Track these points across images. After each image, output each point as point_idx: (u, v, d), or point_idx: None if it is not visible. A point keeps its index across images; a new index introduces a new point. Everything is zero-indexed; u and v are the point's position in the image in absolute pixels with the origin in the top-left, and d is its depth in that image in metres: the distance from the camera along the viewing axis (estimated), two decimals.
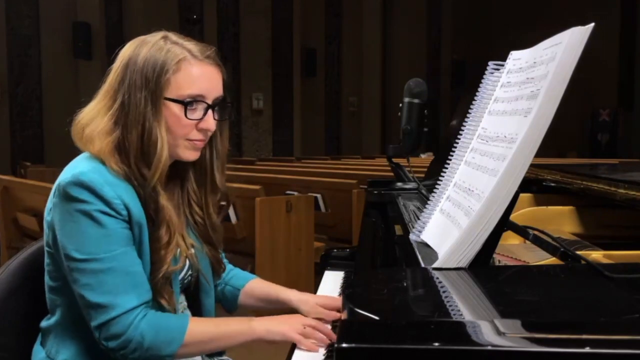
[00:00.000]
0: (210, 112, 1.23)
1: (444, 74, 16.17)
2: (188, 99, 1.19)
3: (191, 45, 1.23)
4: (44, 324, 1.28)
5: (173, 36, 1.24)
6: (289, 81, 12.73)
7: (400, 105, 2.00)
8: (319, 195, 4.72)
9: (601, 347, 0.62)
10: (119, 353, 1.12)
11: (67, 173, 1.16)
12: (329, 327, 1.24)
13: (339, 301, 1.36)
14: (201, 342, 1.17)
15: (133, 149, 1.18)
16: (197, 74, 1.21)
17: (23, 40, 9.91)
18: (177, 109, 1.20)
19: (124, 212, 1.15)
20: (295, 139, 12.99)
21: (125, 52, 1.23)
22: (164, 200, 1.21)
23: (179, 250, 1.27)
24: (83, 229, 1.13)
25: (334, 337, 1.15)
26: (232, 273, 1.49)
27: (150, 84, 1.18)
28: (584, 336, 0.63)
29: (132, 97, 1.18)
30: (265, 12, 12.22)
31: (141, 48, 1.21)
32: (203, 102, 1.21)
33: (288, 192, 4.73)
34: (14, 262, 1.36)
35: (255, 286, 1.46)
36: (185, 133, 1.22)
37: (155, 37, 1.23)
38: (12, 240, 4.88)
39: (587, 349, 0.61)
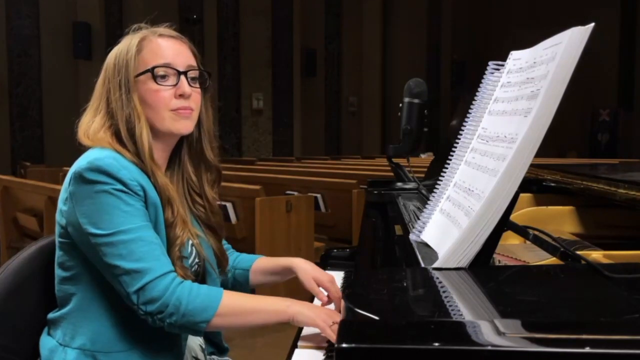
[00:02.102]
0: (183, 77, 1.28)
1: (444, 74, 16.17)
2: (154, 67, 1.27)
3: (156, 27, 1.33)
4: (52, 315, 1.30)
5: (142, 27, 1.33)
6: (289, 81, 12.73)
7: (400, 105, 2.00)
8: (319, 195, 4.72)
9: (601, 347, 0.62)
10: (157, 317, 1.16)
11: (83, 161, 1.21)
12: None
13: (331, 278, 1.39)
14: (236, 313, 1.19)
15: (122, 133, 1.25)
16: (159, 47, 1.29)
17: (23, 40, 9.91)
18: (147, 79, 1.27)
19: (141, 193, 1.21)
20: (295, 139, 12.99)
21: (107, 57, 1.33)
22: (162, 178, 1.26)
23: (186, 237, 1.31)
24: (105, 206, 1.17)
25: None
26: (239, 258, 1.54)
27: (122, 70, 1.27)
28: (584, 336, 0.63)
29: (111, 87, 1.28)
30: (265, 12, 12.22)
31: (115, 49, 1.32)
32: (172, 69, 1.27)
33: (288, 192, 4.73)
34: (14, 261, 1.36)
35: (262, 263, 1.51)
36: (164, 103, 1.27)
37: (127, 35, 1.33)
38: (12, 240, 4.88)
39: (587, 349, 0.61)
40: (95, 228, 1.17)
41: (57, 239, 1.28)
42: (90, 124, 1.29)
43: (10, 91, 9.82)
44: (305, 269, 1.40)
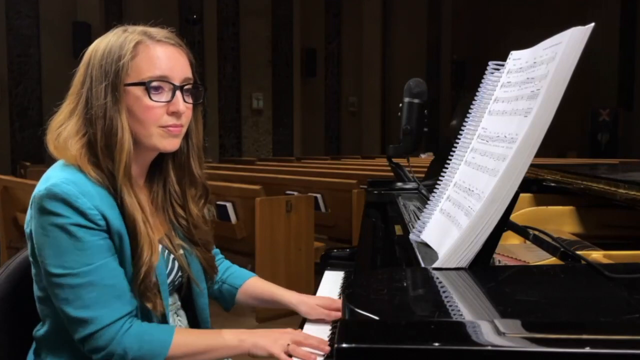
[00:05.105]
0: (178, 93, 1.18)
1: (444, 74, 16.18)
2: (150, 81, 1.15)
3: (150, 29, 1.20)
4: (36, 333, 1.26)
5: (137, 27, 1.21)
6: (289, 81, 12.74)
7: (400, 105, 2.00)
8: (319, 195, 4.72)
9: (601, 347, 0.62)
10: None
11: (42, 185, 1.13)
12: (323, 337, 1.20)
13: (338, 302, 1.35)
14: (187, 355, 1.14)
15: (99, 144, 1.15)
16: (156, 55, 1.17)
17: (23, 40, 9.91)
18: (139, 92, 1.15)
19: (102, 222, 1.12)
20: (295, 139, 13.00)
21: (87, 50, 1.22)
22: (129, 199, 1.15)
23: (167, 252, 1.26)
24: (58, 244, 1.09)
25: (325, 349, 1.13)
26: (230, 271, 1.48)
27: (109, 74, 1.15)
28: (584, 336, 0.63)
29: (93, 91, 1.16)
30: (265, 12, 12.22)
31: (100, 43, 1.20)
32: (168, 82, 1.17)
33: (288, 192, 4.73)
34: (14, 262, 1.36)
35: (254, 285, 1.45)
36: (155, 119, 1.16)
37: (115, 30, 1.21)
38: (12, 240, 4.88)
39: (587, 349, 0.61)
40: (47, 265, 1.10)
41: (30, 258, 1.21)
42: (63, 128, 1.18)
43: (10, 91, 9.82)
44: (304, 301, 1.36)
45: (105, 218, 1.12)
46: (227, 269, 1.48)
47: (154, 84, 1.16)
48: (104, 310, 1.10)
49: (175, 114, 1.18)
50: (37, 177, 1.17)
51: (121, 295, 1.13)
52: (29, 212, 1.16)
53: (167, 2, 10.87)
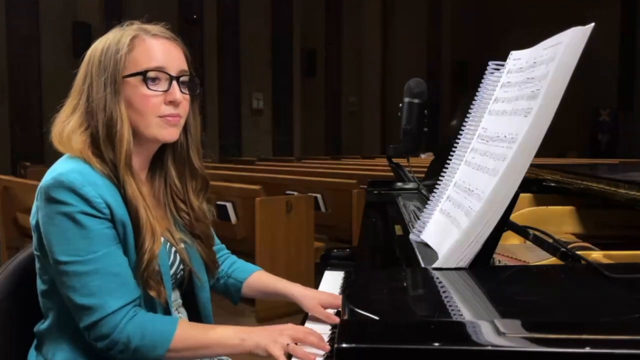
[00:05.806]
0: (175, 83, 1.22)
1: (444, 74, 16.18)
2: (147, 71, 1.20)
3: (146, 25, 1.25)
4: (38, 328, 1.27)
5: (133, 24, 1.26)
6: (289, 81, 12.74)
7: (400, 105, 2.00)
8: (319, 195, 4.72)
9: (601, 347, 0.62)
10: (109, 352, 1.14)
11: (48, 176, 1.16)
12: (323, 335, 1.19)
13: (340, 299, 1.36)
14: (189, 348, 1.16)
15: (100, 136, 1.18)
16: (152, 48, 1.22)
17: (23, 40, 9.91)
18: (137, 82, 1.20)
19: (106, 211, 1.15)
20: (295, 139, 13.00)
21: (88, 50, 1.26)
22: (132, 187, 1.18)
23: (168, 244, 1.28)
24: (65, 232, 1.12)
25: (325, 347, 1.13)
26: (235, 265, 1.50)
27: (108, 68, 1.19)
28: (584, 336, 0.63)
29: (94, 85, 1.20)
30: (265, 12, 12.23)
31: (100, 42, 1.24)
32: (165, 73, 1.21)
33: (288, 192, 4.73)
34: (13, 262, 1.36)
35: (259, 279, 1.47)
36: (153, 109, 1.20)
37: (113, 30, 1.25)
38: (12, 240, 4.88)
39: (587, 349, 0.61)
40: (55, 253, 1.13)
41: (34, 252, 1.23)
42: (66, 123, 1.22)
43: (10, 91, 9.82)
44: (308, 296, 1.36)
45: (109, 207, 1.15)
46: (233, 264, 1.50)
47: (151, 74, 1.20)
48: (108, 297, 1.13)
49: (173, 103, 1.22)
50: (37, 177, 1.19)
51: (125, 283, 1.16)
52: (35, 204, 1.19)
53: (167, 2, 10.87)
